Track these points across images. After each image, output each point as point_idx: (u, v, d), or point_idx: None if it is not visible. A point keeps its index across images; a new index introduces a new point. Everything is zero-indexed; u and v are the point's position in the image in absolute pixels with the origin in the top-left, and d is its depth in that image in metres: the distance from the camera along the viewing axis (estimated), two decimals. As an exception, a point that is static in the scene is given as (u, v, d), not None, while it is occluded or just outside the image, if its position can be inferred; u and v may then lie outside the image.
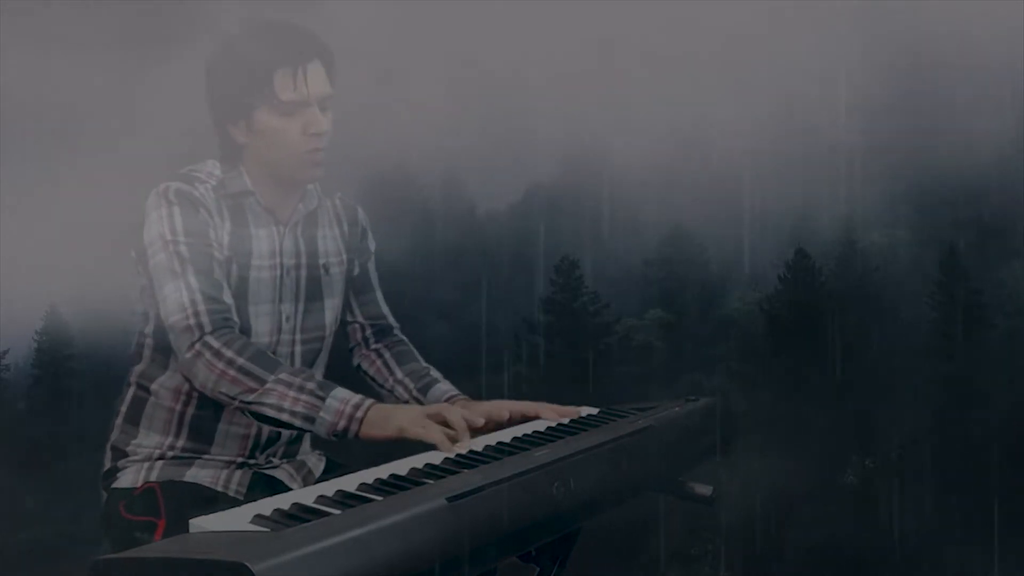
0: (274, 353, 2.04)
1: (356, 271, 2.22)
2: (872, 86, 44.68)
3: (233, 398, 1.84)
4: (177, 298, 1.89)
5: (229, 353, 1.85)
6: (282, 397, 1.82)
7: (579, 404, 2.10)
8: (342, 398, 1.83)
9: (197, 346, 1.86)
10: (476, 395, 2.12)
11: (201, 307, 1.88)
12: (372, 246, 2.26)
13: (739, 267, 34.52)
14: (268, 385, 1.83)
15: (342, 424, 1.81)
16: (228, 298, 1.93)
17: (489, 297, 37.35)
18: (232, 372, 1.84)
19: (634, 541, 20.33)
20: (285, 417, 1.83)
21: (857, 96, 44.19)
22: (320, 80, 2.00)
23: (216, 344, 1.85)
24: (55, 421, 28.53)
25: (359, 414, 1.81)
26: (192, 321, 1.87)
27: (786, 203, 36.03)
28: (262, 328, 2.04)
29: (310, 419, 1.82)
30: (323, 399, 1.82)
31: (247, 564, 1.15)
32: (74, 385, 30.78)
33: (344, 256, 2.19)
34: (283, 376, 1.84)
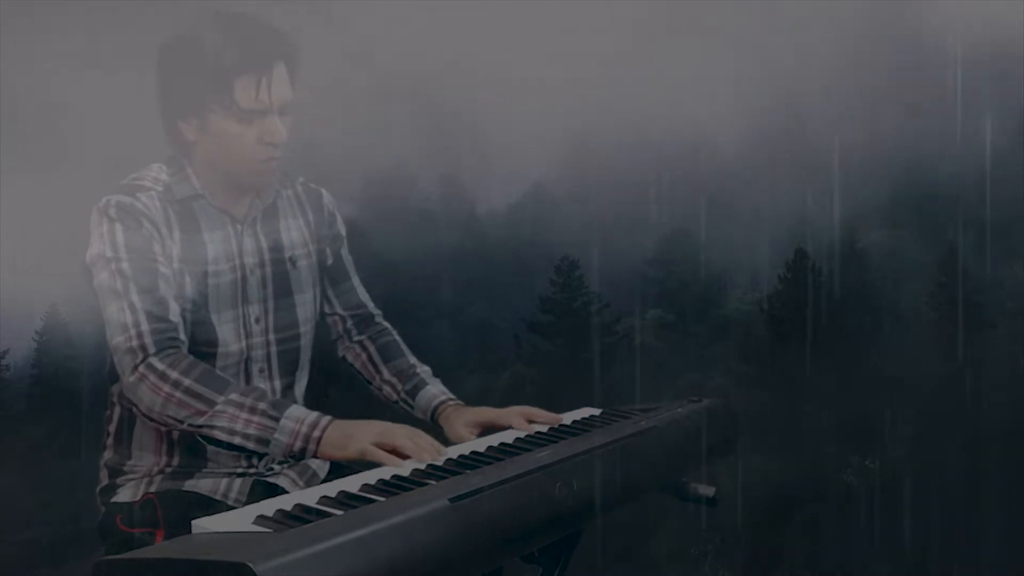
0: (248, 360, 1.97)
1: (329, 260, 2.11)
2: (872, 86, 44.65)
3: (181, 421, 1.76)
4: (119, 319, 1.80)
5: (174, 375, 1.76)
6: (233, 419, 1.75)
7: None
8: (297, 417, 1.75)
9: (141, 369, 1.77)
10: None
11: (144, 327, 1.79)
12: (343, 230, 2.15)
13: (739, 267, 34.48)
14: (218, 407, 1.75)
15: (298, 445, 1.74)
16: (175, 316, 1.83)
17: (489, 297, 37.35)
18: (178, 395, 1.75)
19: (634, 541, 20.31)
20: (237, 440, 1.75)
21: (857, 96, 44.16)
22: (282, 87, 1.89)
23: (160, 366, 1.76)
24: (55, 421, 28.47)
25: (316, 433, 1.74)
26: (135, 343, 1.78)
27: (786, 203, 36.01)
28: (229, 335, 1.93)
29: (264, 441, 1.75)
30: (277, 420, 1.74)
31: (249, 564, 1.15)
32: (74, 385, 30.72)
33: (311, 246, 2.07)
34: (233, 397, 1.76)
